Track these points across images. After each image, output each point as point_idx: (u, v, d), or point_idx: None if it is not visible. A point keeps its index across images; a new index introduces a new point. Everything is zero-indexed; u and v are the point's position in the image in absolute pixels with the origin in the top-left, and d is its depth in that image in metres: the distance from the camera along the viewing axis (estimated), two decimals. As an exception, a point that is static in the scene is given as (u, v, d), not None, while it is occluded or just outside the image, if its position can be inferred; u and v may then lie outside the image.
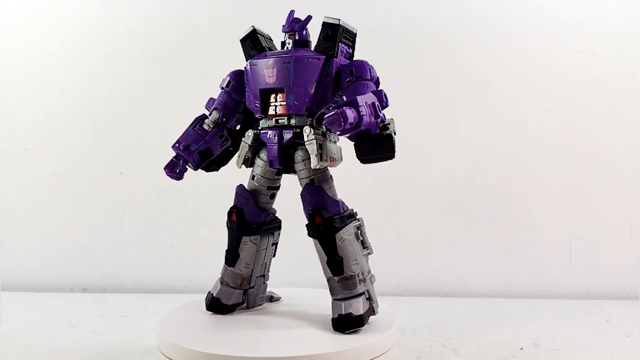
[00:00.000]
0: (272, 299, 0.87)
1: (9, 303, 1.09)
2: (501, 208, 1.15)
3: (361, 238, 0.77)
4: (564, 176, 1.14)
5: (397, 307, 1.05)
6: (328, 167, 0.78)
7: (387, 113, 1.19)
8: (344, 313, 0.73)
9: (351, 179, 1.16)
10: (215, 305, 0.82)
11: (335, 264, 0.74)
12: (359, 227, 0.77)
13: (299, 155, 0.76)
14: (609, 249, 1.14)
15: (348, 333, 0.73)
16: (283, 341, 0.71)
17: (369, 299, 0.76)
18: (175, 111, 1.18)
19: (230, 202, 0.85)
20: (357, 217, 0.77)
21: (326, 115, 0.66)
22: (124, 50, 1.18)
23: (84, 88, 1.19)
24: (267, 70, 0.75)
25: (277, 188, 0.82)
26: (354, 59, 0.79)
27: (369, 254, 0.77)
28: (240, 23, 1.20)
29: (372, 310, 0.76)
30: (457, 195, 1.16)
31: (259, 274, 0.84)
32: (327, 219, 0.74)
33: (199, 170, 0.83)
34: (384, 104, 0.72)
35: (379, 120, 0.70)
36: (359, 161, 0.72)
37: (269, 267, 0.86)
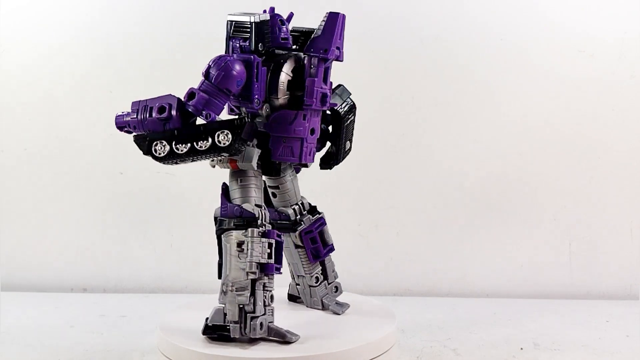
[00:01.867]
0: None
1: (9, 303, 1.09)
2: (501, 208, 1.15)
3: (241, 249, 0.70)
4: (564, 176, 1.14)
5: (397, 307, 1.05)
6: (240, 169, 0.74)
7: (387, 112, 1.18)
8: (209, 315, 0.71)
9: (351, 179, 1.17)
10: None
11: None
12: (249, 237, 0.70)
13: None
14: (609, 249, 1.14)
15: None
16: (283, 341, 0.71)
17: (225, 315, 0.70)
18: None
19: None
20: (253, 227, 0.70)
21: None
22: (125, 50, 1.18)
23: (84, 88, 1.19)
24: None
25: (275, 187, 0.81)
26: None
27: (243, 269, 0.69)
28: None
29: (224, 329, 0.70)
30: (457, 195, 1.16)
31: (297, 273, 0.83)
32: (215, 219, 0.74)
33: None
34: (187, 102, 0.69)
35: (163, 120, 0.68)
36: None
37: (306, 270, 0.82)
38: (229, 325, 0.69)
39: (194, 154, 0.68)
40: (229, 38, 0.74)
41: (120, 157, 1.19)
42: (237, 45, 0.73)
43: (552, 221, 1.15)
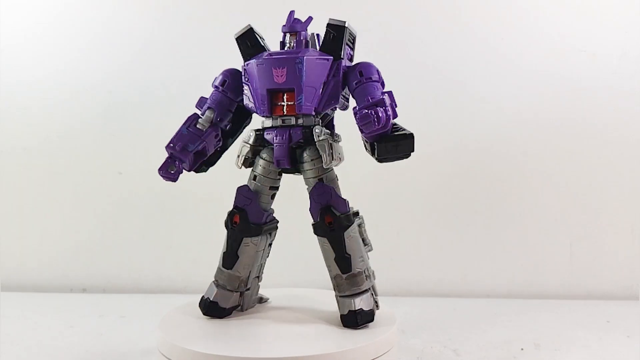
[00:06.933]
0: (261, 300, 0.87)
1: (9, 303, 1.09)
2: (502, 208, 1.15)
3: (362, 235, 0.79)
4: (564, 176, 1.14)
5: (397, 307, 1.05)
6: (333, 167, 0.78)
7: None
8: (355, 309, 0.74)
9: (351, 179, 1.16)
10: (213, 309, 0.81)
11: (344, 261, 0.75)
12: (360, 225, 0.79)
13: (307, 154, 0.76)
14: (609, 249, 1.14)
15: (359, 328, 0.74)
16: (283, 341, 0.71)
17: (373, 294, 0.77)
18: (175, 111, 1.18)
19: (229, 203, 0.85)
20: (359, 215, 0.79)
21: (358, 115, 0.69)
22: (124, 49, 1.18)
23: (83, 88, 1.19)
24: (275, 70, 0.75)
25: (277, 188, 0.82)
26: (354, 61, 0.79)
27: (369, 250, 0.79)
28: (238, 23, 1.19)
29: (376, 306, 0.78)
30: (458, 196, 1.16)
31: (255, 275, 0.84)
32: (338, 218, 0.75)
33: (192, 171, 0.82)
34: (394, 104, 0.74)
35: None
36: (376, 160, 0.74)
37: (263, 268, 0.85)
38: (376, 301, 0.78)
39: None
40: (345, 43, 0.77)
41: (120, 157, 1.19)
42: (348, 52, 0.79)
43: (552, 221, 1.15)
